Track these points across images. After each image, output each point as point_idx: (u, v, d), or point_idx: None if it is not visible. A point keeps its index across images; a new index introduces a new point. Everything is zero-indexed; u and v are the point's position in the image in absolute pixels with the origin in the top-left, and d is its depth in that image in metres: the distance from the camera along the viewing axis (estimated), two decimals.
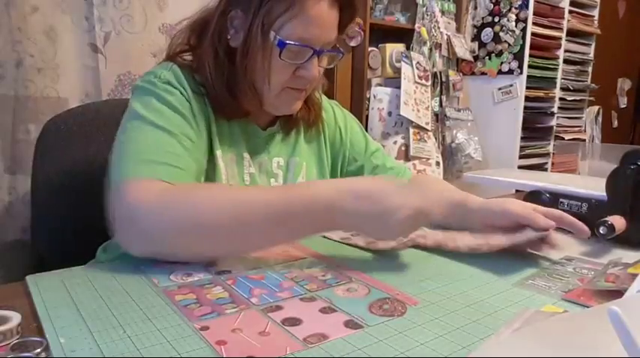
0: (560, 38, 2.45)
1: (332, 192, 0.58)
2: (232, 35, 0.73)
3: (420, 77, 2.11)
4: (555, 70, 2.46)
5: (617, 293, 0.50)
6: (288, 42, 0.69)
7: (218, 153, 0.76)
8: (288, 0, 0.68)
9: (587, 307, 0.50)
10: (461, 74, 2.40)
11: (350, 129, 0.95)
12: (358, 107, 2.10)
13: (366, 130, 2.03)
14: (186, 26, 0.78)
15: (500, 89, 2.37)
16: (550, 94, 2.47)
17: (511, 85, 2.33)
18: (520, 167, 2.37)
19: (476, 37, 2.42)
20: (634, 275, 0.52)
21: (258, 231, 0.58)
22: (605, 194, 0.76)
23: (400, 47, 2.14)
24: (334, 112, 0.95)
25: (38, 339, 0.40)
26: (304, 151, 0.88)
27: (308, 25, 0.70)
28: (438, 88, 2.28)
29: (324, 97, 0.92)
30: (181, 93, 0.72)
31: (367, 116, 2.10)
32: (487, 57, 2.39)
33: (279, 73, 0.72)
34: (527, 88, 2.31)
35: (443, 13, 2.27)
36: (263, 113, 0.80)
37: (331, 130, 0.93)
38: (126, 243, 0.59)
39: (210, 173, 0.75)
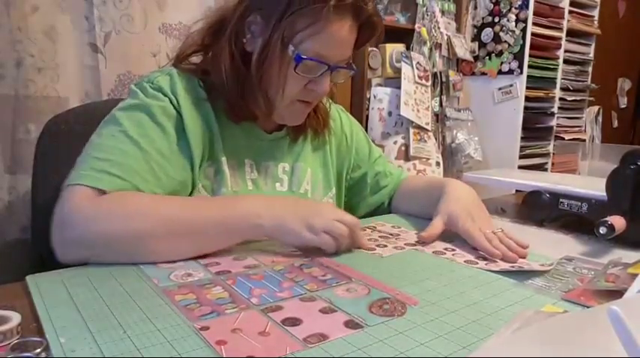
0: (560, 38, 2.45)
1: (259, 210, 0.63)
2: (248, 40, 0.73)
3: (420, 77, 2.11)
4: (555, 70, 2.46)
5: (617, 293, 0.50)
6: (304, 57, 0.69)
7: (223, 159, 0.76)
8: (312, 16, 0.68)
9: (587, 307, 0.50)
10: (461, 74, 2.40)
11: (355, 137, 0.97)
12: (358, 107, 2.09)
13: (366, 130, 2.04)
14: (202, 26, 0.77)
15: (500, 89, 2.36)
16: (550, 94, 2.47)
17: (511, 85, 2.33)
18: (520, 167, 2.37)
19: (476, 37, 2.42)
20: (634, 275, 0.52)
21: (184, 241, 0.60)
22: (605, 194, 0.76)
23: (400, 47, 2.14)
24: (341, 119, 0.96)
25: (38, 339, 0.40)
26: (310, 157, 0.88)
27: (328, 43, 0.70)
28: (438, 88, 2.28)
29: (332, 104, 0.93)
30: (171, 101, 0.71)
31: (367, 116, 2.10)
32: (487, 57, 2.38)
33: (292, 85, 0.72)
34: (527, 87, 2.31)
35: (443, 13, 2.27)
36: (270, 119, 0.80)
37: (337, 138, 0.94)
38: (55, 247, 0.60)
39: (215, 179, 0.75)
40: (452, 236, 0.74)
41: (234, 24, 0.73)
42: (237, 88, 0.74)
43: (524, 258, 0.66)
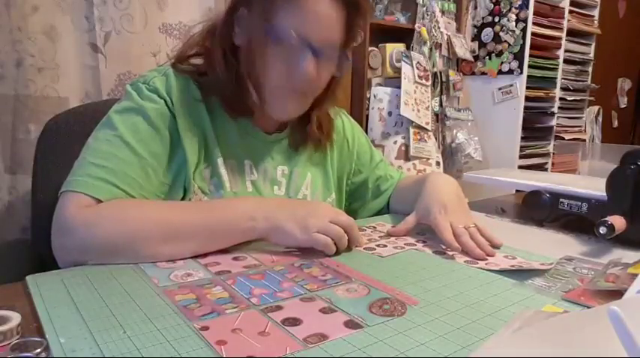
0: (560, 38, 2.45)
1: (252, 212, 0.64)
2: (237, 33, 0.73)
3: (420, 77, 2.11)
4: (555, 69, 2.46)
5: (617, 293, 0.50)
6: (281, 32, 0.68)
7: (219, 161, 0.75)
8: None
9: (587, 307, 0.50)
10: (461, 74, 2.40)
11: (357, 141, 0.96)
12: (358, 107, 2.10)
13: (366, 130, 2.04)
14: (203, 28, 0.77)
15: (500, 89, 2.36)
16: (550, 94, 2.47)
17: (511, 85, 2.33)
18: (520, 167, 2.37)
19: (476, 37, 2.42)
20: (634, 276, 0.52)
21: (179, 245, 0.61)
22: (605, 194, 0.76)
23: (400, 47, 2.14)
24: (343, 123, 0.95)
25: (38, 339, 0.40)
26: (309, 163, 0.87)
27: (305, 19, 0.68)
28: (438, 88, 2.28)
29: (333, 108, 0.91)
30: (166, 103, 0.71)
31: (367, 116, 2.10)
32: (487, 57, 2.38)
33: (274, 68, 0.71)
34: (527, 87, 2.31)
35: (443, 12, 2.27)
36: (269, 118, 0.78)
37: (339, 142, 0.93)
38: (54, 251, 0.61)
39: (212, 181, 0.75)
40: None
41: (225, 20, 0.73)
42: (230, 80, 0.73)
43: (492, 256, 0.66)
